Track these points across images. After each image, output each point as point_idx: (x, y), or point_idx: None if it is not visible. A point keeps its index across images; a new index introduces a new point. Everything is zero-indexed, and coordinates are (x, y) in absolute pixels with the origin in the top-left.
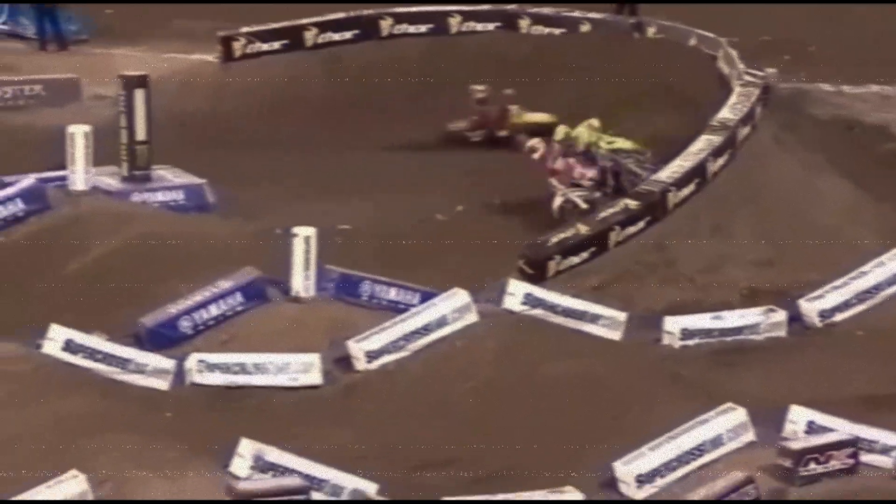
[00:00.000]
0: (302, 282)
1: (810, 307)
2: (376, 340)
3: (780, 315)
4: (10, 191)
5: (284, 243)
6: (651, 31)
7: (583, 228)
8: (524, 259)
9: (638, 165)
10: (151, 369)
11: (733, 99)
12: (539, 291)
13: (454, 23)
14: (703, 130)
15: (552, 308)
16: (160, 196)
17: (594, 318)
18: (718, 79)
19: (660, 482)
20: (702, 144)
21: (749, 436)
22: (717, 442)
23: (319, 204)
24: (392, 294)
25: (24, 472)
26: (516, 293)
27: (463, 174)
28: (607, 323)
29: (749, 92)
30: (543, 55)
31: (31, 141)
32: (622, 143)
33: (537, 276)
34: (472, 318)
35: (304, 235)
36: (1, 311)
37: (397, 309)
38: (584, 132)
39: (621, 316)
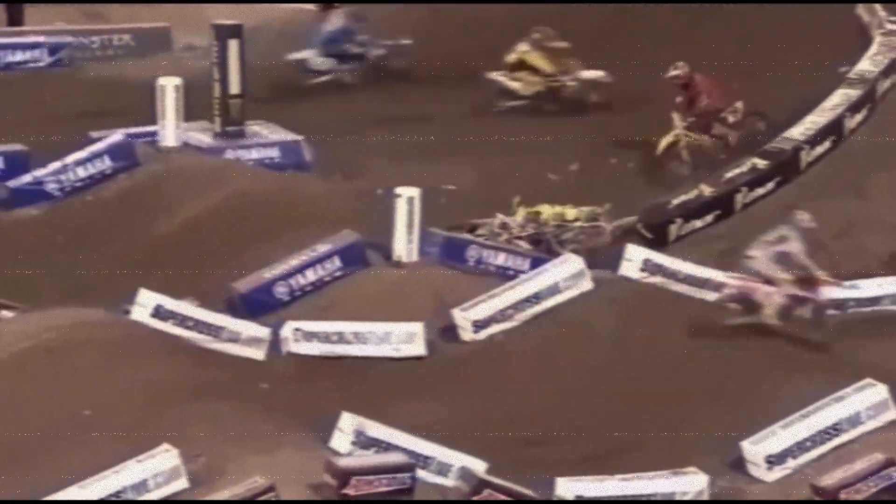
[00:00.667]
0: (404, 245)
1: None
2: (484, 309)
3: None
4: (97, 147)
5: (386, 204)
6: None
7: (707, 190)
8: (643, 223)
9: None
10: (246, 338)
11: (873, 49)
12: (659, 257)
13: None
14: (839, 84)
15: (673, 275)
16: (254, 153)
17: (718, 287)
18: (858, 28)
19: (791, 463)
20: (838, 99)
21: (890, 414)
22: (854, 420)
23: (423, 163)
24: (500, 259)
25: (114, 443)
26: (634, 259)
27: (578, 134)
28: None
29: (891, 42)
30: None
31: (119, 94)
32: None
33: (657, 240)
34: (586, 285)
35: (407, 196)
36: (88, 273)
37: (506, 275)
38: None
39: None
